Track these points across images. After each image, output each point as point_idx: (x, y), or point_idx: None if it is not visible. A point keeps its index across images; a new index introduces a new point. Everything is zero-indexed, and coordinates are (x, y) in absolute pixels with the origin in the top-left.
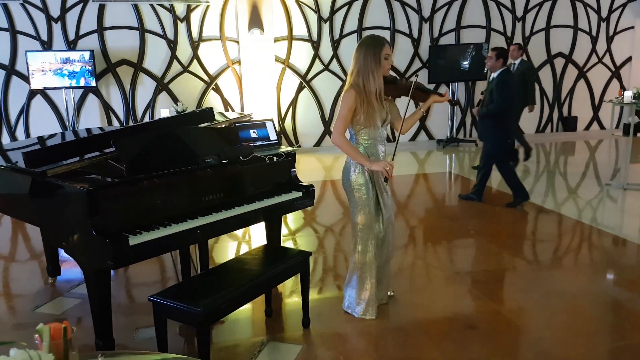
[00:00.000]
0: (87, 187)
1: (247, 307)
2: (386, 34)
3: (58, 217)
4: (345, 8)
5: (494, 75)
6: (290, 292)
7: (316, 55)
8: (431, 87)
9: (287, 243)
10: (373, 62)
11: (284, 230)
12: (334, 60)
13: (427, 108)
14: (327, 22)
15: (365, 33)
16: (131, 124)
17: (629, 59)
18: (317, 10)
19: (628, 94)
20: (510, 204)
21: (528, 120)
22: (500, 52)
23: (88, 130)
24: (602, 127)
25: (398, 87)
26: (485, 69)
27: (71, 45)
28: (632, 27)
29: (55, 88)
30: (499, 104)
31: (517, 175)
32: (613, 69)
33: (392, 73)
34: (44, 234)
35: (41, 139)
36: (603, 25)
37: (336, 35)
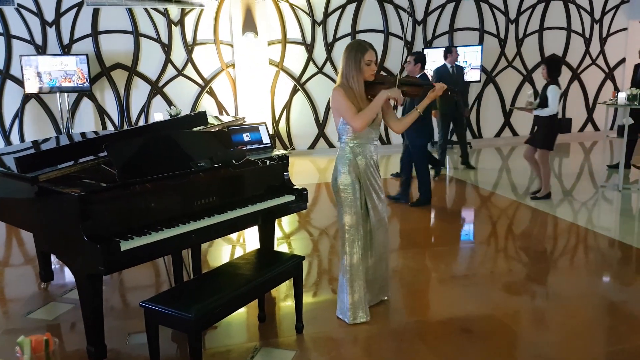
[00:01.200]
0: (78, 192)
1: (240, 311)
2: (379, 37)
3: (50, 222)
4: (339, 11)
5: None
6: (284, 296)
7: (310, 58)
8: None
9: (281, 246)
10: (353, 67)
11: (278, 234)
12: (328, 63)
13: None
14: (321, 26)
15: (359, 36)
16: (126, 127)
17: (623, 60)
18: (311, 13)
19: (622, 96)
20: (393, 196)
21: (522, 122)
22: (418, 56)
23: (83, 134)
24: (596, 128)
25: (388, 87)
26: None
27: (65, 50)
28: (625, 29)
29: (49, 92)
30: None
31: (410, 184)
32: (607, 71)
33: (384, 74)
34: (36, 239)
35: (35, 143)
36: (596, 27)
37: (330, 39)
